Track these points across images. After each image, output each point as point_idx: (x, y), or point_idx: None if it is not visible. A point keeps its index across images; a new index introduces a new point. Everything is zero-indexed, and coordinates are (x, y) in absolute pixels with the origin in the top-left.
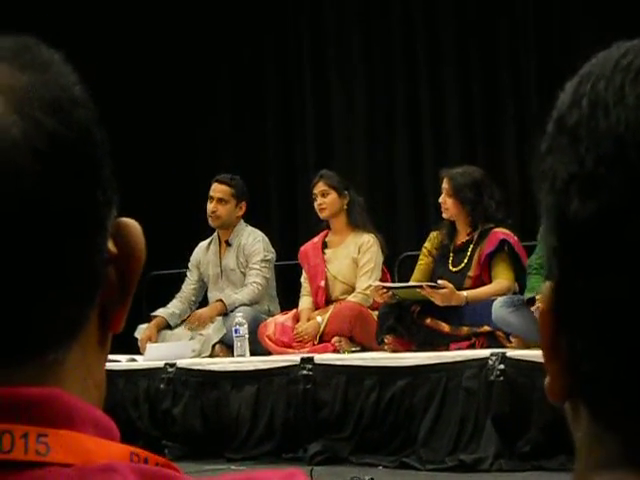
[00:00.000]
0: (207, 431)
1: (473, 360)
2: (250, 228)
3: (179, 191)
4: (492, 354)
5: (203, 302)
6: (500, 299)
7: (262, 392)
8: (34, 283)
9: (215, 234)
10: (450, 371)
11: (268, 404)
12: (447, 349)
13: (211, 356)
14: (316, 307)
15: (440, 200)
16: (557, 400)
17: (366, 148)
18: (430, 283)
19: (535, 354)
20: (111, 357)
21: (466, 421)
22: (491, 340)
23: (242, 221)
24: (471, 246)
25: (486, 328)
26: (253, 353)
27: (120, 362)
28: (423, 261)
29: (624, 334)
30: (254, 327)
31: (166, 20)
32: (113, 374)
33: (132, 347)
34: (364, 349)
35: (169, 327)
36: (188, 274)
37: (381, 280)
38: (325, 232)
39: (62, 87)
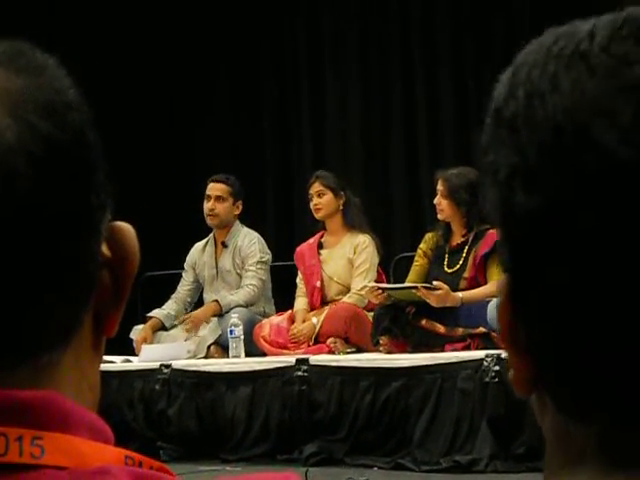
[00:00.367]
0: (202, 432)
1: (468, 361)
2: (246, 229)
3: (175, 192)
4: (487, 355)
5: (198, 303)
6: (495, 300)
7: (257, 393)
8: (28, 286)
9: (211, 235)
10: (445, 372)
11: (263, 405)
12: (442, 350)
13: (206, 357)
14: (312, 308)
15: (435, 201)
16: (523, 393)
17: (362, 149)
18: (425, 284)
19: None
20: (106, 358)
21: (461, 422)
22: (486, 341)
23: (238, 222)
24: (466, 247)
25: (481, 329)
26: (248, 354)
27: (115, 363)
28: (418, 262)
29: (578, 324)
30: (249, 328)
31: (163, 22)
32: (108, 375)
33: (127, 348)
34: (359, 350)
35: (164, 328)
36: (183, 275)
37: (376, 281)
38: (321, 233)
39: (56, 91)
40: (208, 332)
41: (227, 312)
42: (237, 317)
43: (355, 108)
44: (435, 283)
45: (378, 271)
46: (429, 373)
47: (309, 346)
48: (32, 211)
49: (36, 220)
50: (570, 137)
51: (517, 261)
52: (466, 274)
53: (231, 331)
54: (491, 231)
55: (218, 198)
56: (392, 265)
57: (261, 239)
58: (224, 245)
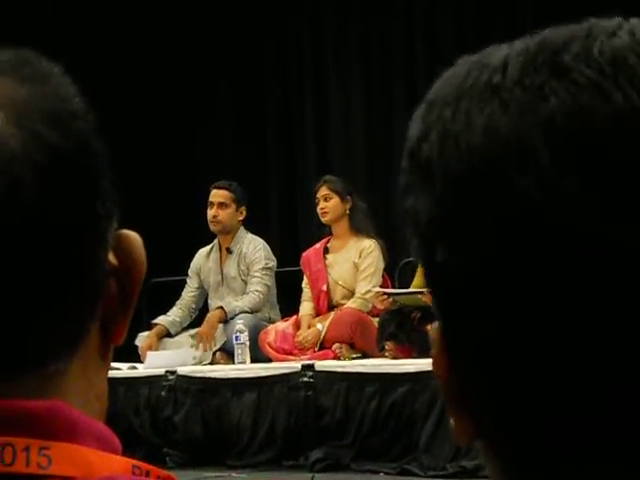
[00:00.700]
0: (208, 438)
1: None
2: (251, 235)
3: (179, 198)
4: None
5: (203, 309)
6: None
7: (263, 399)
8: (34, 296)
9: (215, 241)
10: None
11: (269, 411)
12: None
13: (212, 363)
14: (318, 312)
15: None
16: (464, 443)
17: (365, 153)
18: None
19: None
20: (112, 365)
21: None
22: None
23: (243, 228)
24: None
25: None
26: (254, 360)
27: (121, 370)
28: None
29: (507, 379)
30: (255, 334)
31: (165, 26)
32: (114, 382)
33: (133, 355)
34: (365, 356)
35: (169, 335)
36: (188, 281)
37: (382, 286)
38: (327, 238)
39: (61, 99)
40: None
41: (232, 318)
42: (242, 323)
43: (358, 112)
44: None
45: (383, 276)
46: (435, 378)
47: (315, 352)
48: (37, 220)
49: (41, 229)
50: (486, 184)
51: (443, 311)
52: None
53: (236, 337)
54: None
55: (221, 205)
56: (397, 270)
57: (266, 245)
58: (229, 251)
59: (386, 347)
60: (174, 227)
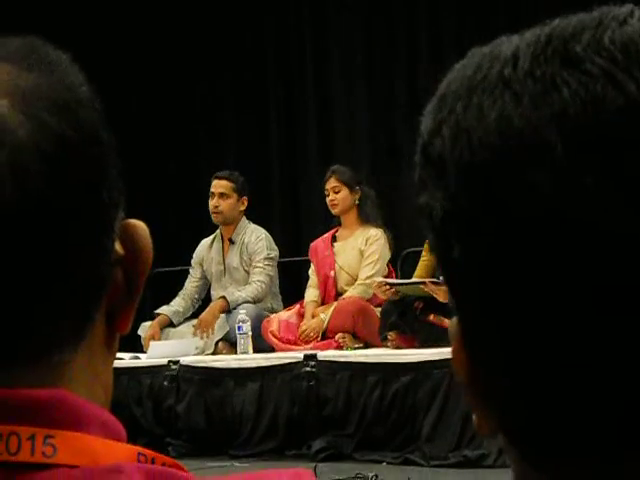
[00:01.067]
0: (211, 428)
1: None
2: (253, 225)
3: (182, 188)
4: None
5: (206, 299)
6: None
7: (265, 389)
8: (39, 284)
9: (218, 231)
10: (453, 367)
11: (271, 401)
12: (450, 345)
13: (214, 353)
14: (324, 297)
15: None
16: (487, 435)
17: (369, 142)
18: (433, 279)
19: None
20: None
21: (469, 417)
22: None
23: (245, 218)
24: None
25: None
26: (256, 350)
27: (123, 360)
28: (426, 257)
29: (525, 372)
30: (257, 324)
31: (168, 18)
32: (116, 372)
33: (135, 345)
34: (367, 345)
35: (172, 325)
36: (191, 271)
37: (386, 277)
38: (336, 229)
39: (68, 88)
40: (216, 328)
41: (234, 308)
42: (245, 313)
43: (362, 101)
44: (442, 278)
45: (388, 268)
46: (437, 368)
47: (318, 342)
48: (43, 209)
49: (48, 218)
50: (500, 178)
51: (461, 307)
52: None
53: (239, 327)
54: None
55: (222, 195)
56: (399, 260)
57: (268, 235)
58: (231, 242)
59: (388, 337)
60: (177, 217)
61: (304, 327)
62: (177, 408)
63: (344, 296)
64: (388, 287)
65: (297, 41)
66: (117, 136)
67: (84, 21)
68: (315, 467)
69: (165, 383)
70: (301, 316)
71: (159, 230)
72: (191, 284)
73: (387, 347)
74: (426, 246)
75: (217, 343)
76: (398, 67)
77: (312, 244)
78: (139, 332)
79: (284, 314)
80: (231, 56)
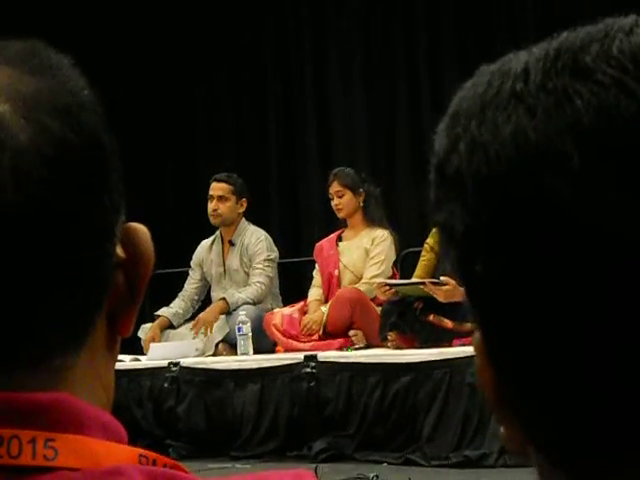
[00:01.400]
0: (211, 429)
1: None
2: (253, 227)
3: (181, 189)
4: None
5: (206, 301)
6: None
7: (266, 390)
8: (40, 288)
9: (217, 233)
10: (454, 367)
11: (272, 402)
12: (450, 345)
13: (214, 355)
14: (328, 296)
15: None
16: (515, 449)
17: (367, 142)
18: (433, 279)
19: None
20: None
21: (470, 417)
22: None
23: (244, 220)
24: None
25: None
26: (257, 351)
27: (124, 362)
28: (425, 257)
29: (552, 384)
30: (257, 325)
31: (166, 18)
32: (117, 374)
33: (135, 347)
34: (368, 345)
35: (172, 327)
36: (190, 273)
37: (390, 278)
38: (342, 230)
39: (70, 91)
40: (216, 330)
41: (235, 310)
42: (245, 314)
43: (361, 101)
44: (442, 278)
45: (392, 270)
46: (437, 368)
47: (319, 337)
48: (45, 212)
49: (49, 221)
50: (518, 191)
51: (485, 322)
52: None
53: (239, 328)
54: None
55: (220, 198)
56: (399, 260)
57: (268, 237)
58: (231, 243)
59: (389, 337)
60: (176, 218)
61: (306, 320)
62: (177, 410)
63: (344, 285)
64: (388, 288)
65: (296, 41)
66: (115, 137)
67: (83, 22)
68: (316, 468)
69: (165, 385)
70: (304, 313)
71: (158, 231)
72: (191, 286)
73: (387, 347)
74: (426, 246)
75: (217, 344)
76: (397, 67)
77: (317, 244)
78: (139, 334)
79: (287, 309)
80: (229, 56)
